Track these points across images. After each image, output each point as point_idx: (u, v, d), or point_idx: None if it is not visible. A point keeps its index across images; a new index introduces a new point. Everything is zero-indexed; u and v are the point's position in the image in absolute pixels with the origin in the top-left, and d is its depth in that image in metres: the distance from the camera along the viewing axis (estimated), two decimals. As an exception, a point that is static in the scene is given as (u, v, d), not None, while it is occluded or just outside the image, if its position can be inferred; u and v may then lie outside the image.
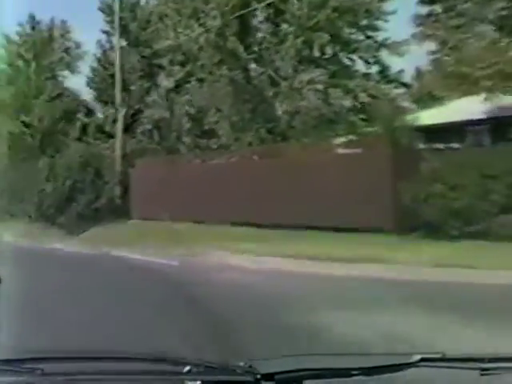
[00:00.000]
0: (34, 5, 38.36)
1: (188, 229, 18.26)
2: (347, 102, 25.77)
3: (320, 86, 25.84)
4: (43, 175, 23.95)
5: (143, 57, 29.50)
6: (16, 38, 35.18)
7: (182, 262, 14.27)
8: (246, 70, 25.05)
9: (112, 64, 28.44)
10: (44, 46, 34.68)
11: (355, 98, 25.27)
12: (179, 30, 24.72)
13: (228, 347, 6.58)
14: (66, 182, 22.69)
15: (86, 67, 33.32)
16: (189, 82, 26.98)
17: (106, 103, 30.63)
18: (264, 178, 18.36)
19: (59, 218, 22.70)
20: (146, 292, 10.70)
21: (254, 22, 25.81)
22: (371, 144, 16.95)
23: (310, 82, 25.37)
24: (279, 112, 25.16)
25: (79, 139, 28.80)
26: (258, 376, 1.97)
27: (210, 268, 13.43)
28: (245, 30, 24.79)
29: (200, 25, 23.88)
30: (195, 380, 1.97)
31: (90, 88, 32.45)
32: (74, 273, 13.60)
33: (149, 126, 28.90)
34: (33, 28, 35.16)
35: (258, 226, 17.32)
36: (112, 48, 30.23)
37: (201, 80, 25.79)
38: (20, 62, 34.37)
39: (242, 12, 23.02)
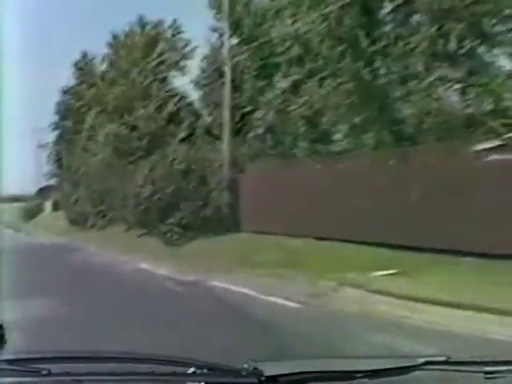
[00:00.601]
0: (144, 5, 36.17)
1: (307, 248, 14.95)
2: (488, 104, 21.51)
3: (456, 86, 21.80)
4: (142, 179, 21.17)
5: (258, 53, 26.46)
6: (124, 39, 34.23)
7: (304, 305, 10.34)
8: (370, 64, 21.58)
9: (222, 63, 26.21)
10: (152, 46, 32.83)
11: (498, 98, 20.97)
12: (298, 21, 21.58)
13: None
14: (166, 187, 19.70)
15: (195, 67, 30.72)
16: (306, 82, 23.82)
17: (214, 104, 27.77)
18: (398, 188, 14.90)
19: (159, 226, 19.76)
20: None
21: (382, 13, 22.30)
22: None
23: (443, 80, 21.44)
24: (407, 113, 21.46)
25: (183, 140, 25.95)
26: (263, 378, 1.97)
27: (348, 321, 9.03)
28: (370, 21, 21.40)
29: (321, 15, 20.67)
30: (200, 381, 1.99)
31: (198, 89, 29.63)
32: (149, 319, 9.35)
33: (261, 130, 25.73)
34: (142, 28, 32.81)
35: (390, 246, 14.03)
36: (223, 46, 27.49)
37: (321, 78, 22.50)
38: (126, 63, 32.61)
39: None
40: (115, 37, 34.59)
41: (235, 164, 21.65)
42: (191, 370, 2.02)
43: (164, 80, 32.63)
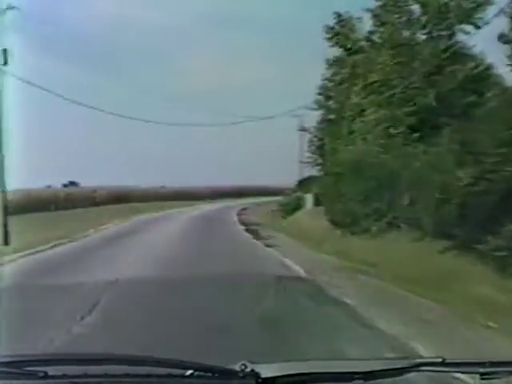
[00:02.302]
0: None
1: None
2: None
3: None
4: (447, 161, 13.31)
5: None
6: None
7: None
8: None
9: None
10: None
11: None
12: None
13: None
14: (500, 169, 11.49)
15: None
16: None
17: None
18: None
19: (482, 237, 11.62)
20: None
21: None
22: None
23: None
24: None
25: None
26: (260, 380, 1.98)
27: None
28: None
29: None
30: (197, 383, 2.03)
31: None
32: None
33: None
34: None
35: None
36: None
37: None
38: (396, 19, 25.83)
39: None
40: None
41: None
42: (189, 372, 2.00)
43: (450, 37, 25.26)
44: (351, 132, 29.03)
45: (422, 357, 2.40)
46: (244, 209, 48.71)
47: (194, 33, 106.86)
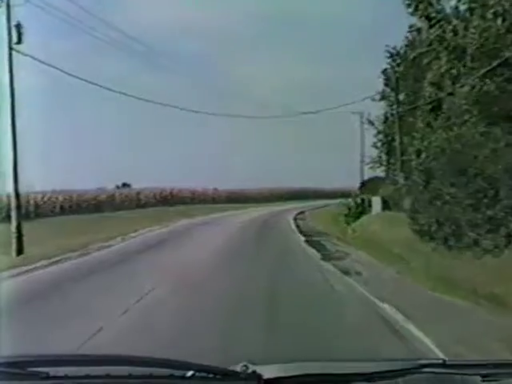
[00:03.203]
0: None
1: None
2: None
3: None
4: None
5: None
6: None
7: None
8: None
9: None
10: None
11: None
12: None
13: None
14: None
15: None
16: None
17: None
18: None
19: None
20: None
21: None
22: None
23: None
24: None
25: None
26: (262, 381, 1.97)
27: None
28: None
29: None
30: None
31: None
32: None
33: None
34: None
35: None
36: None
37: None
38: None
39: None
40: None
41: None
42: (190, 372, 1.98)
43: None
44: (428, 124, 25.35)
45: (422, 358, 1.85)
46: (301, 213, 43.52)
47: (250, 33, 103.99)
